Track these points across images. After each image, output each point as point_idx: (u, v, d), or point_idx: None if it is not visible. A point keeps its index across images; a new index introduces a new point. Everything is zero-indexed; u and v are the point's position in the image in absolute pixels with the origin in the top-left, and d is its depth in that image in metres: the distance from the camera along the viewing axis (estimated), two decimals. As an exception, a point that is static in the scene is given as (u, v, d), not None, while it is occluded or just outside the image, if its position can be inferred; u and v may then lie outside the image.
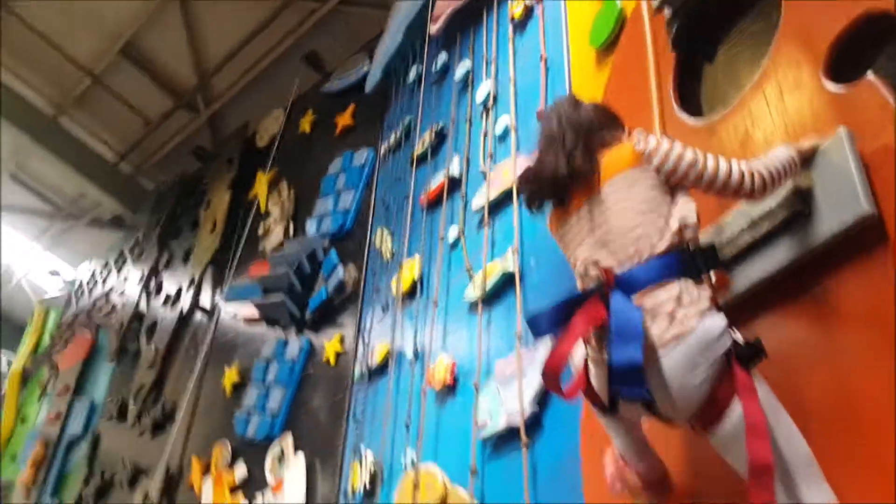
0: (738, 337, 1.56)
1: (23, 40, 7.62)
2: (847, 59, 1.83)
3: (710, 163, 1.63)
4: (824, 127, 1.76)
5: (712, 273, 1.66)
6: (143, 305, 6.79)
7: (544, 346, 2.62)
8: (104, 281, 7.95)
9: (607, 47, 2.94)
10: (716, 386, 1.50)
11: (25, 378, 8.10)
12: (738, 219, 1.84)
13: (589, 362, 1.68)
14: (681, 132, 2.18)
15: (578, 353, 1.70)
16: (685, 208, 1.62)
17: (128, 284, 7.32)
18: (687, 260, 1.58)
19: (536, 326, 1.70)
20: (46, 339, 8.23)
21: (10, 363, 8.86)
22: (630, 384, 1.50)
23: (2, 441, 7.50)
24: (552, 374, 1.62)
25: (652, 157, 1.65)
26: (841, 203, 1.60)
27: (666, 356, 1.51)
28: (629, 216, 1.63)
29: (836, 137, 1.67)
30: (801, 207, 1.68)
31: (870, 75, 1.70)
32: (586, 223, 1.70)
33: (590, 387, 1.68)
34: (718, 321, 1.53)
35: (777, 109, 1.92)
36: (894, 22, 1.70)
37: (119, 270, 7.77)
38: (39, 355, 8.15)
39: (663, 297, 1.54)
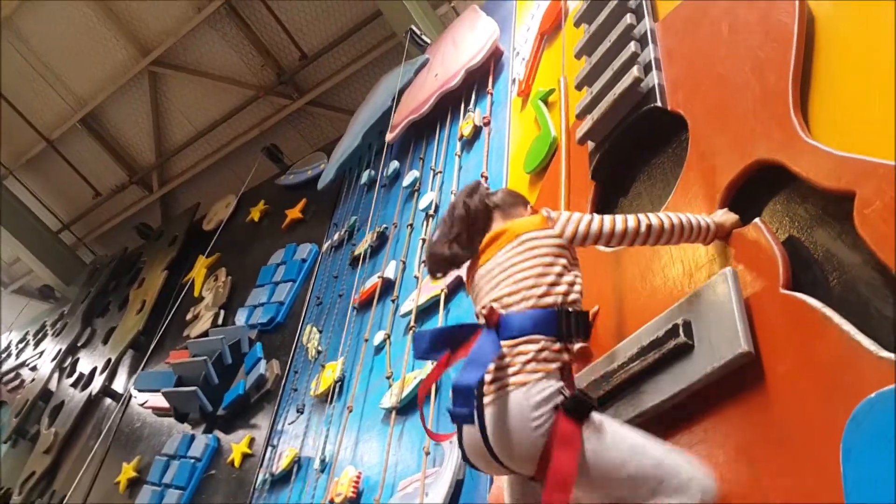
0: (567, 392, 1.64)
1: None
2: (744, 202, 1.89)
3: (607, 222, 1.80)
4: (715, 265, 1.84)
5: (578, 342, 1.72)
6: (52, 384, 6.34)
7: (450, 467, 2.41)
8: (19, 353, 7.48)
9: (539, 172, 3.03)
10: (549, 442, 1.57)
11: None
12: (629, 346, 1.87)
13: None
14: (591, 258, 2.21)
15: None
16: (576, 278, 1.79)
17: (42, 360, 6.88)
18: (561, 320, 1.69)
19: (418, 346, 1.84)
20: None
21: None
22: (461, 404, 1.59)
23: None
24: (421, 393, 1.97)
25: (556, 223, 1.82)
26: (721, 340, 1.63)
27: (507, 395, 1.62)
28: (524, 269, 1.77)
29: (720, 275, 1.72)
30: (685, 339, 1.71)
31: (757, 220, 1.76)
32: (489, 278, 1.84)
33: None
34: (553, 384, 1.62)
35: (675, 244, 1.95)
36: (786, 173, 1.76)
37: (37, 344, 7.33)
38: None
39: (527, 348, 1.66)
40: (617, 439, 1.59)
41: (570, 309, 1.72)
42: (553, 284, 1.74)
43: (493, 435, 1.61)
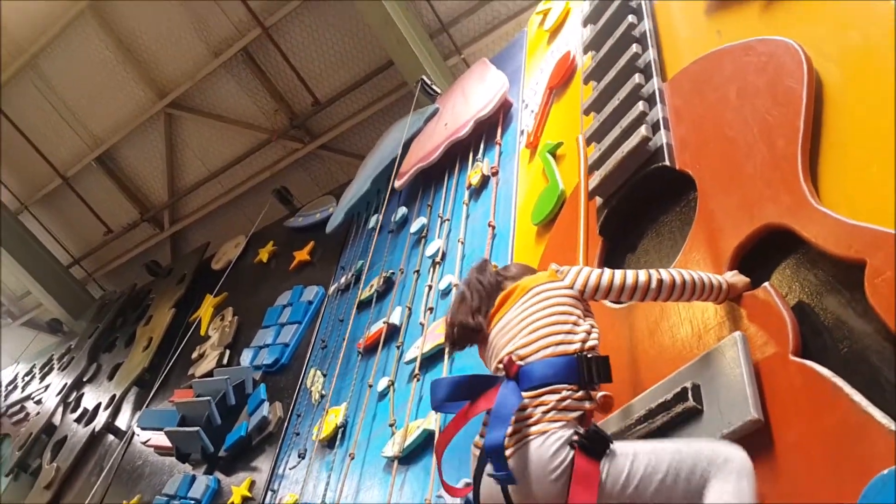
0: (581, 430, 1.63)
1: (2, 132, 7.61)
2: (752, 265, 1.89)
3: (617, 276, 1.81)
4: (724, 328, 1.82)
5: (600, 390, 1.72)
6: (56, 418, 6.31)
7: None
8: (25, 386, 7.46)
9: (546, 224, 3.03)
10: (570, 486, 1.54)
11: None
12: (636, 407, 1.86)
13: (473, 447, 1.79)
14: (600, 313, 2.19)
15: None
16: (592, 327, 1.79)
17: (47, 393, 6.84)
18: (582, 367, 1.68)
19: (435, 395, 1.81)
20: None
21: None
22: (495, 464, 1.59)
23: None
24: (440, 447, 1.84)
25: (566, 276, 1.86)
26: (730, 405, 1.62)
27: (526, 446, 1.61)
28: (540, 318, 1.78)
29: (729, 339, 1.70)
30: (694, 403, 1.69)
31: (767, 285, 1.75)
32: (505, 332, 1.85)
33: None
34: (570, 432, 1.61)
35: (684, 304, 1.96)
36: (794, 238, 1.76)
37: (43, 377, 7.30)
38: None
39: (548, 398, 1.66)
40: (638, 452, 1.56)
41: (590, 355, 1.71)
42: (570, 332, 1.74)
43: (513, 488, 1.60)
